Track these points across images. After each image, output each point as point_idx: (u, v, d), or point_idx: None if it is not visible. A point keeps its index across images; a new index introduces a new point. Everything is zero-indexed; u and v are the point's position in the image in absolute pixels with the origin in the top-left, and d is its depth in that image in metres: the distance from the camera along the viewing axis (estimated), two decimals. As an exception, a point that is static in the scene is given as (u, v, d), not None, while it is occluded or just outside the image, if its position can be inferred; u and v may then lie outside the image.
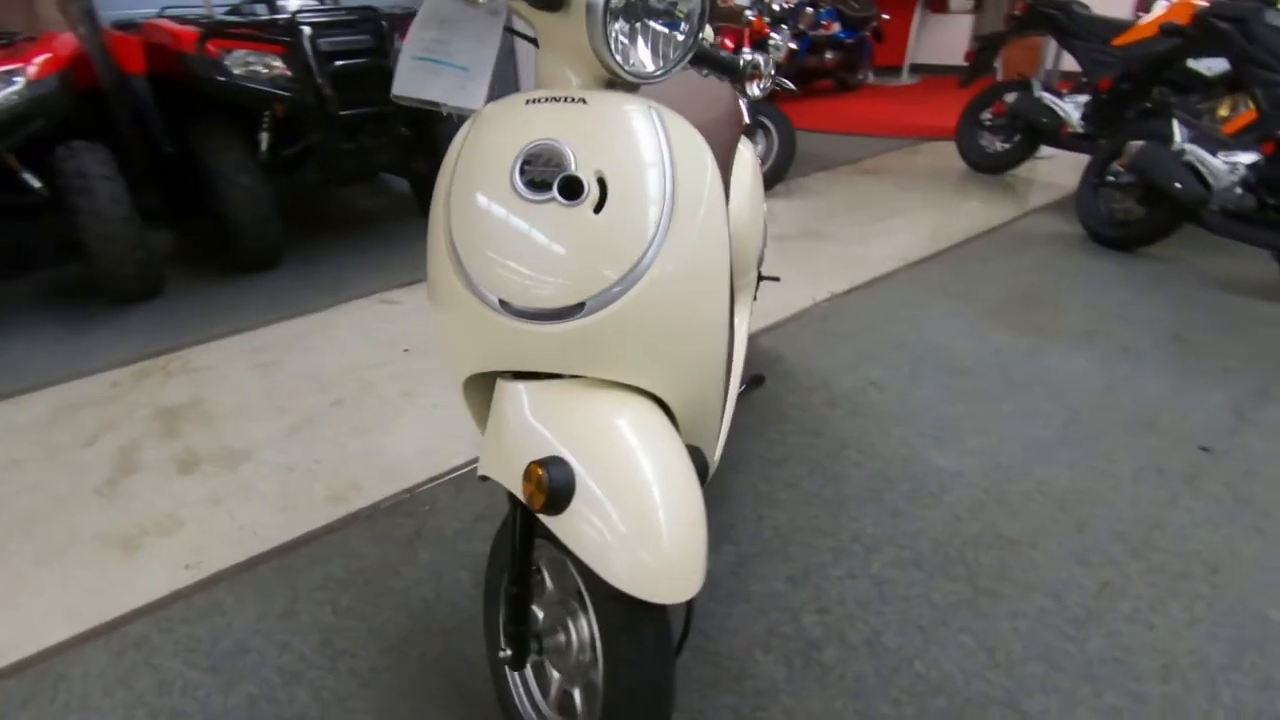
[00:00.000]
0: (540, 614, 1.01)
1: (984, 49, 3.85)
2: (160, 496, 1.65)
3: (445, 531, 1.50)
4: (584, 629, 0.94)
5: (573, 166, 0.81)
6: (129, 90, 3.16)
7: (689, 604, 0.91)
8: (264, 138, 2.83)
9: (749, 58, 1.00)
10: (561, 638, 0.96)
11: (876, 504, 1.52)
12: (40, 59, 2.27)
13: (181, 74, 2.61)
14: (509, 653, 0.95)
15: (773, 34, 3.53)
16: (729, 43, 3.69)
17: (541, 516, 0.82)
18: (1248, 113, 2.59)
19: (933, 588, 1.31)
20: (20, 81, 2.20)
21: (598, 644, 0.87)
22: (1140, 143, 2.56)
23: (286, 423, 1.91)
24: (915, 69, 7.46)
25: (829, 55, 6.31)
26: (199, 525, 1.56)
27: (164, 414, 1.97)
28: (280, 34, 2.60)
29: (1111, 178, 2.81)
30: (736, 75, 1.01)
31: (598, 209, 0.82)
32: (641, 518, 0.80)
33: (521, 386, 0.88)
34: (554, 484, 0.78)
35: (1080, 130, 3.36)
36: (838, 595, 1.31)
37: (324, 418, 1.93)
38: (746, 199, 1.49)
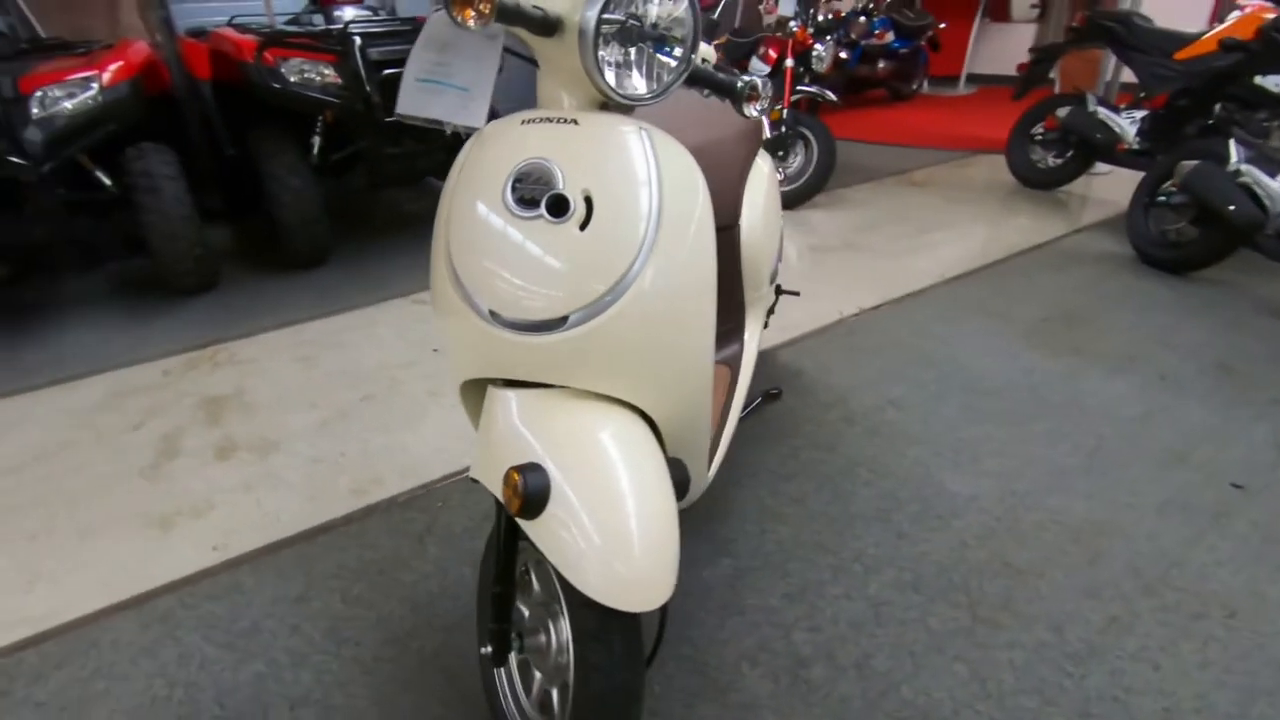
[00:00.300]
0: (526, 613, 1.05)
1: (1038, 61, 3.74)
2: (197, 481, 1.75)
3: (454, 528, 1.55)
4: (563, 631, 0.97)
5: (560, 185, 0.85)
6: (197, 95, 3.36)
7: (662, 616, 0.94)
8: (316, 142, 2.97)
9: (747, 79, 1.01)
10: (543, 638, 0.99)
11: (882, 524, 1.51)
12: (114, 66, 2.44)
13: (242, 81, 2.76)
14: (489, 650, 0.99)
15: (816, 44, 3.53)
16: (773, 53, 3.70)
17: (519, 521, 0.85)
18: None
19: (930, 613, 1.30)
20: (95, 87, 2.37)
21: (570, 648, 0.90)
22: (1193, 162, 2.46)
23: (319, 416, 2.00)
24: (973, 79, 7.28)
25: (881, 65, 6.22)
26: (229, 509, 1.65)
27: (208, 403, 2.09)
28: (333, 43, 2.73)
29: (1163, 198, 2.69)
30: (733, 96, 1.02)
31: (584, 226, 0.85)
32: (614, 527, 0.82)
33: (511, 394, 0.92)
34: (529, 489, 0.81)
35: (1136, 147, 3.23)
36: (832, 614, 1.30)
37: (354, 412, 2.01)
38: (760, 214, 1.49)
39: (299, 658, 1.26)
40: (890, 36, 6.10)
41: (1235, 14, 3.00)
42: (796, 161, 3.60)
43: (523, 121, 0.91)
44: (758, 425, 1.85)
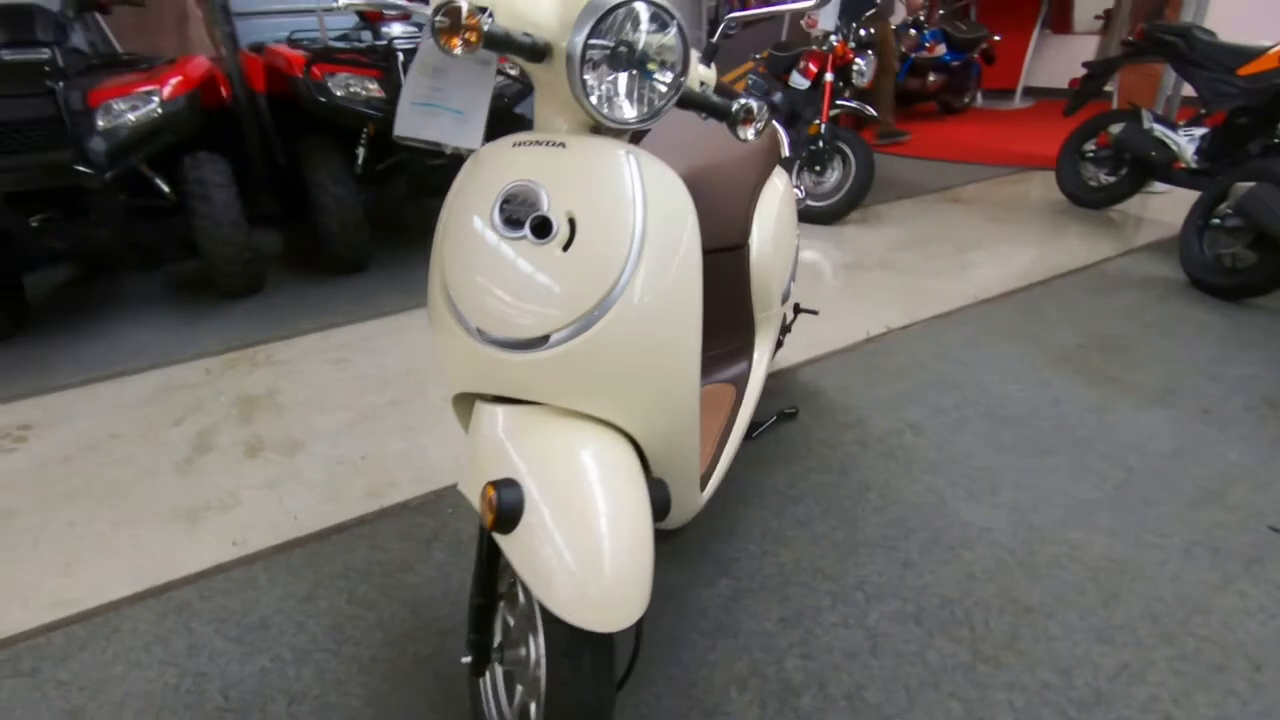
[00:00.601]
0: (511, 624, 1.06)
1: (1091, 76, 3.62)
2: (226, 476, 1.84)
3: (461, 535, 1.58)
4: (541, 645, 0.98)
5: (545, 207, 0.87)
6: (255, 107, 3.54)
7: (637, 638, 0.94)
8: (360, 153, 3.09)
9: (743, 102, 1.01)
10: (523, 651, 1.01)
11: (888, 552, 1.47)
12: (173, 81, 2.58)
13: (291, 94, 2.89)
14: (469, 659, 1.01)
15: (857, 59, 3.49)
16: (813, 67, 3.67)
17: (495, 535, 0.87)
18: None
19: (930, 647, 1.26)
20: (156, 100, 2.51)
21: (543, 663, 0.91)
22: (1249, 184, 2.33)
23: (344, 418, 2.07)
24: (1029, 92, 7.07)
25: (932, 78, 6.10)
26: (252, 506, 1.72)
27: (243, 401, 2.19)
28: (378, 59, 2.83)
29: (1218, 220, 2.56)
30: (728, 120, 1.03)
31: (567, 247, 0.86)
32: (586, 546, 0.83)
33: (498, 410, 0.94)
34: (502, 505, 0.83)
35: (1194, 166, 3.09)
36: (827, 642, 1.28)
37: (378, 415, 2.07)
38: (771, 232, 1.49)
39: (302, 654, 1.31)
40: (941, 49, 5.98)
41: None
42: (833, 177, 3.56)
43: (514, 144, 0.93)
44: (771, 444, 1.84)
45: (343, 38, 3.34)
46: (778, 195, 1.56)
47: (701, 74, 1.06)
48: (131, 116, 2.47)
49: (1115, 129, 3.37)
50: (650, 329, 0.90)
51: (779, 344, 1.88)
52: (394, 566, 1.51)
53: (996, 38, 6.14)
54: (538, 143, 0.91)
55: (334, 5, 0.92)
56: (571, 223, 0.87)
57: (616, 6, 0.84)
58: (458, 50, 0.78)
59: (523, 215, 0.87)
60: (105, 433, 2.06)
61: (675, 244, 0.92)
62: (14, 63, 2.41)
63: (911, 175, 4.51)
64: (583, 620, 0.81)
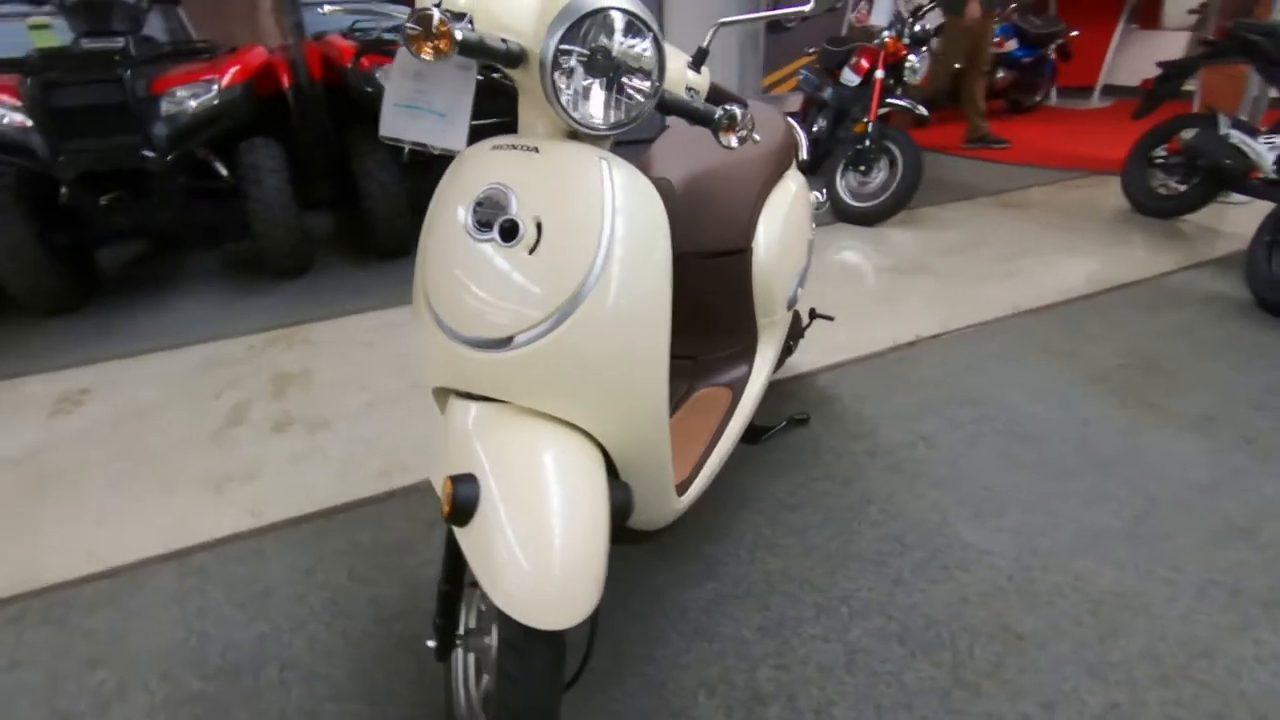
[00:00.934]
0: (483, 610, 1.09)
1: (1166, 77, 3.40)
2: (253, 449, 1.94)
3: (461, 520, 1.63)
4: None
5: (513, 210, 0.89)
6: (315, 94, 3.68)
7: (590, 639, 0.95)
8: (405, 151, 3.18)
9: (727, 109, 1.00)
10: (486, 640, 1.04)
11: (880, 568, 1.45)
12: (232, 70, 2.72)
13: (342, 83, 2.99)
14: (433, 644, 1.05)
15: (910, 55, 3.38)
16: (865, 63, 3.58)
17: (454, 528, 0.90)
18: None
19: (908, 668, 1.24)
20: (215, 88, 2.65)
21: (495, 655, 0.94)
22: (1323, 199, 2.16)
23: (367, 399, 2.15)
24: (1109, 91, 6.69)
25: (1001, 74, 5.84)
26: (273, 479, 1.81)
27: (278, 378, 2.30)
28: (424, 51, 2.90)
29: (1290, 236, 2.39)
30: (710, 126, 1.02)
31: (533, 250, 0.88)
32: (537, 544, 0.85)
33: (470, 406, 0.97)
34: (457, 498, 0.85)
35: (1273, 176, 2.88)
36: (804, 655, 1.27)
37: (399, 398, 2.15)
38: (777, 238, 1.47)
39: (298, 624, 1.38)
40: (1013, 44, 5.72)
41: None
42: (879, 177, 3.47)
43: (492, 147, 0.95)
44: (778, 450, 1.82)
45: (395, 29, 3.43)
46: (788, 199, 1.54)
47: (690, 79, 1.05)
48: (192, 103, 2.62)
49: (1187, 134, 3.17)
50: (616, 335, 0.91)
51: (789, 349, 1.85)
52: (395, 547, 1.57)
53: (1074, 33, 5.82)
54: (513, 147, 0.93)
55: (320, 9, 0.95)
56: (539, 227, 0.88)
57: (590, 14, 0.85)
58: (428, 57, 0.81)
59: (493, 218, 0.89)
60: (152, 401, 2.20)
61: (646, 252, 0.92)
62: (90, 51, 2.58)
63: (967, 177, 4.35)
64: (526, 616, 0.83)
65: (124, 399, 2.22)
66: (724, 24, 1.10)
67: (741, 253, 1.45)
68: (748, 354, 1.53)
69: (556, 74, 0.86)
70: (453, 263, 0.92)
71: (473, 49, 0.84)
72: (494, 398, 0.95)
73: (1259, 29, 2.97)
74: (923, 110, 3.34)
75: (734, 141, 1.03)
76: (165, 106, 2.57)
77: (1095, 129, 5.55)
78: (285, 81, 3.45)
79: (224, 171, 2.95)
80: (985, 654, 1.26)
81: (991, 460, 1.75)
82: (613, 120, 0.91)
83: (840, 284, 2.86)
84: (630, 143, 1.22)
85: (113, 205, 2.71)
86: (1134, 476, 1.68)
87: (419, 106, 0.95)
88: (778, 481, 1.71)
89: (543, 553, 0.85)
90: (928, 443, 1.83)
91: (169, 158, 2.60)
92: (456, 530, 0.89)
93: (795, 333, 1.86)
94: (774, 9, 1.11)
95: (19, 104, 2.42)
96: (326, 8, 0.97)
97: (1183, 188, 3.35)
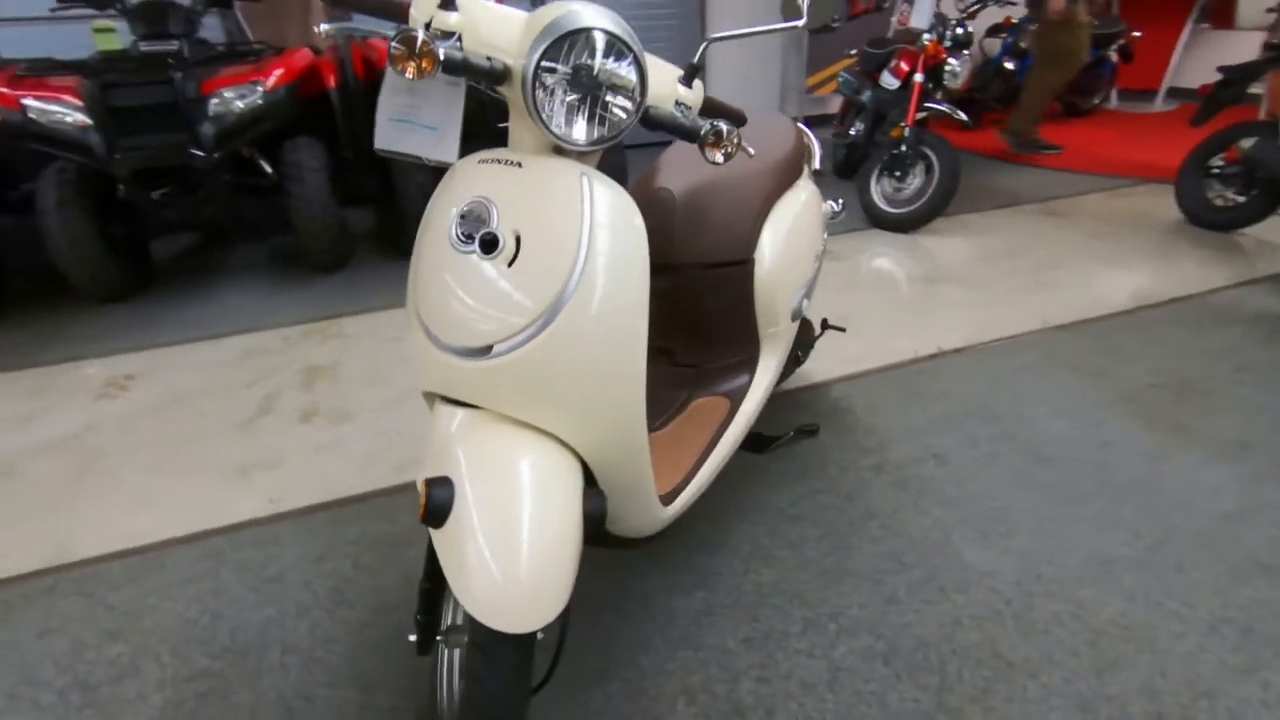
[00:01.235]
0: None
1: (1226, 82, 3.23)
2: (278, 438, 2.03)
3: (465, 517, 1.67)
4: (471, 636, 1.04)
5: (494, 223, 0.91)
6: (358, 93, 3.79)
7: (558, 646, 0.98)
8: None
9: (712, 124, 1.01)
10: (465, 637, 1.07)
11: (874, 586, 1.43)
12: (277, 73, 2.82)
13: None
14: (413, 639, 1.08)
15: (950, 59, 3.30)
16: (904, 66, 3.50)
17: (429, 529, 0.93)
18: None
19: (892, 689, 1.22)
20: (260, 90, 2.76)
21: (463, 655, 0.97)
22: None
23: (391, 394, 2.22)
24: (1175, 94, 6.37)
25: (1056, 76, 5.62)
26: (294, 468, 1.89)
27: (308, 370, 2.39)
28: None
29: (1348, 255, 2.25)
30: (695, 141, 1.03)
31: (512, 263, 0.91)
32: (506, 549, 0.87)
33: (456, 411, 1.00)
34: (431, 500, 0.89)
35: (1339, 190, 2.72)
36: (787, 669, 1.27)
37: (418, 395, 2.20)
38: (781, 248, 1.46)
39: (303, 610, 1.44)
40: (1069, 45, 5.49)
41: None
42: (915, 183, 3.39)
43: (479, 161, 0.98)
44: (784, 460, 1.81)
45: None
46: (795, 209, 1.53)
47: (681, 94, 1.06)
48: (238, 104, 2.73)
49: (1246, 143, 3.01)
50: (591, 348, 0.92)
51: (798, 360, 1.84)
52: (400, 539, 1.62)
53: (1136, 33, 5.57)
54: (499, 161, 0.96)
55: (318, 29, 1.00)
56: (518, 240, 0.91)
57: (570, 33, 0.87)
58: (410, 75, 0.84)
59: (475, 230, 0.92)
60: (190, 388, 2.32)
61: (623, 267, 0.93)
62: (146, 54, 2.72)
63: (1011, 182, 4.22)
64: (492, 619, 0.86)
65: (165, 385, 2.34)
66: (714, 40, 1.10)
67: (743, 264, 1.45)
68: (749, 364, 1.52)
69: (538, 90, 0.88)
70: (438, 272, 0.96)
71: (457, 67, 0.87)
72: (476, 404, 0.98)
73: (1330, 32, 2.80)
74: (962, 116, 3.25)
75: (719, 158, 1.03)
76: (213, 107, 2.69)
77: (1156, 134, 5.30)
78: (331, 82, 3.56)
79: (268, 169, 3.07)
80: (973, 679, 1.23)
81: (1004, 480, 1.71)
82: (595, 137, 0.93)
83: (866, 291, 2.82)
84: (643, 145, 1.22)
85: (164, 200, 2.85)
86: (1154, 503, 1.62)
87: (411, 120, 0.99)
88: (780, 492, 1.70)
89: (511, 558, 0.87)
90: (939, 459, 1.79)
91: (215, 156, 2.73)
92: (431, 531, 0.92)
93: (805, 343, 1.85)
94: (767, 25, 1.11)
95: (80, 104, 2.57)
96: (323, 27, 1.01)
97: (1241, 199, 3.19)
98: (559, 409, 0.95)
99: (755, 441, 1.71)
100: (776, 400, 2.06)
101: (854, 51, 4.21)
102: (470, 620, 0.92)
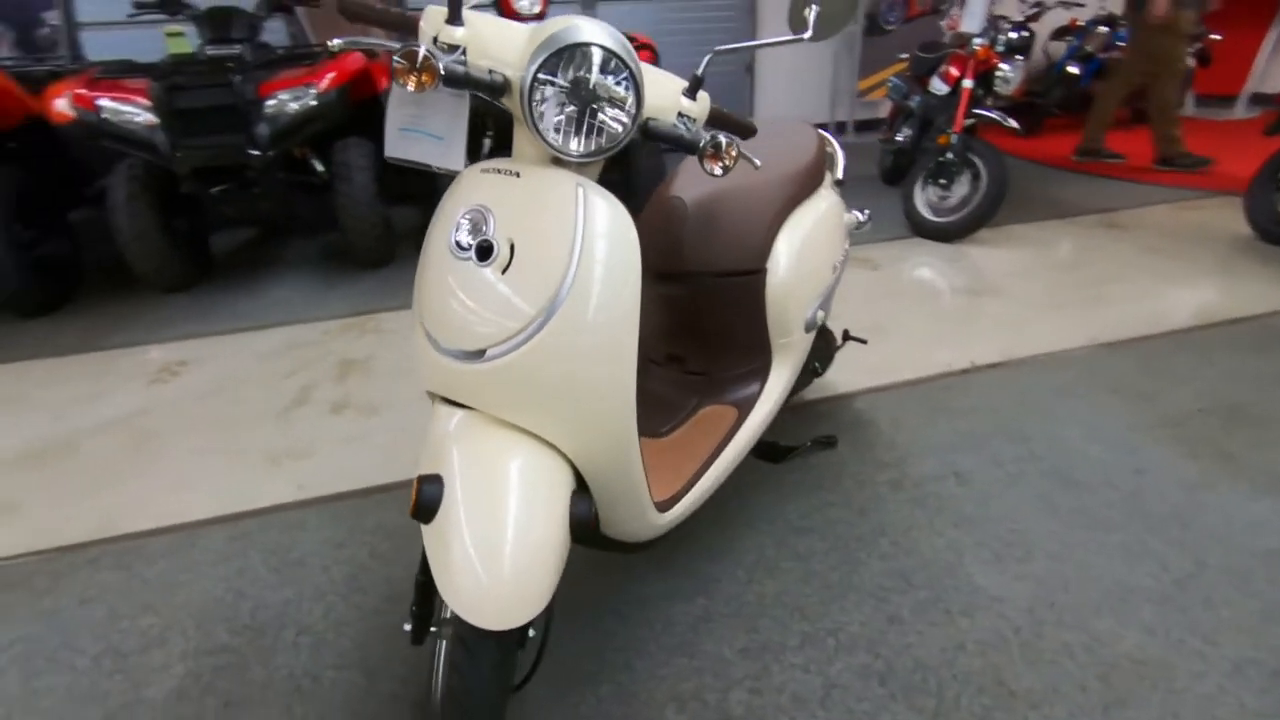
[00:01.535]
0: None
1: (1306, 89, 3.03)
2: (310, 428, 2.11)
3: (479, 512, 1.72)
4: (461, 629, 1.07)
5: (490, 231, 0.94)
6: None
7: (541, 646, 1.00)
8: (486, 143, 3.33)
9: (709, 137, 1.02)
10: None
11: (878, 604, 1.41)
12: (329, 76, 2.94)
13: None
14: (408, 629, 1.12)
15: (1002, 65, 3.20)
16: (954, 71, 3.42)
17: (420, 525, 0.97)
18: None
19: (885, 709, 1.20)
20: (312, 93, 2.88)
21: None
22: None
23: (418, 390, 2.29)
24: (1258, 100, 6.01)
25: (1125, 81, 5.37)
26: (323, 457, 1.97)
27: (344, 363, 2.49)
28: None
29: None
30: (694, 153, 1.03)
31: (505, 270, 0.93)
32: (490, 547, 0.90)
33: (453, 412, 1.03)
34: (421, 496, 0.92)
35: None
36: (781, 682, 1.26)
37: (448, 391, 2.27)
38: (795, 259, 1.45)
39: (319, 594, 1.50)
40: (1140, 49, 5.24)
41: None
42: (960, 192, 3.30)
43: (481, 170, 1.01)
44: (798, 471, 1.80)
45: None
46: (812, 219, 1.51)
47: (684, 106, 1.07)
48: (292, 106, 2.86)
49: (1324, 155, 2.82)
50: (581, 354, 0.94)
51: (816, 372, 1.82)
52: (415, 531, 1.67)
53: (1214, 36, 5.28)
54: (499, 171, 0.99)
55: (330, 45, 1.05)
56: (512, 248, 0.93)
57: (568, 48, 0.89)
58: (411, 88, 0.87)
59: (472, 238, 0.95)
60: (236, 377, 2.44)
61: (615, 277, 0.95)
62: (211, 57, 2.88)
63: (1068, 192, 4.05)
64: (473, 615, 0.89)
65: (213, 373, 2.47)
66: (719, 52, 1.10)
67: (756, 273, 1.44)
68: (760, 374, 1.52)
69: (535, 102, 0.91)
70: (438, 276, 0.99)
71: (458, 81, 0.90)
72: (472, 406, 1.01)
73: None
74: (1012, 123, 3.15)
75: (718, 170, 1.04)
76: (269, 108, 2.83)
77: (1232, 142, 5.01)
78: (383, 84, 3.68)
79: (320, 168, 3.21)
80: (971, 706, 1.20)
81: (1027, 502, 1.66)
82: (591, 148, 0.95)
83: (902, 301, 2.76)
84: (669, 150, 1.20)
85: (223, 196, 3.00)
86: (1187, 535, 1.54)
87: (418, 130, 1.02)
88: (791, 503, 1.69)
89: (495, 556, 0.90)
90: (960, 478, 1.75)
91: (270, 154, 2.86)
92: (422, 527, 0.95)
93: (824, 356, 1.82)
94: (774, 38, 1.10)
95: (149, 105, 2.73)
96: (335, 43, 1.06)
97: (1317, 214, 2.99)
98: (549, 413, 0.97)
99: (770, 451, 1.70)
100: (796, 410, 2.05)
101: (905, 56, 4.12)
102: (454, 615, 0.95)
